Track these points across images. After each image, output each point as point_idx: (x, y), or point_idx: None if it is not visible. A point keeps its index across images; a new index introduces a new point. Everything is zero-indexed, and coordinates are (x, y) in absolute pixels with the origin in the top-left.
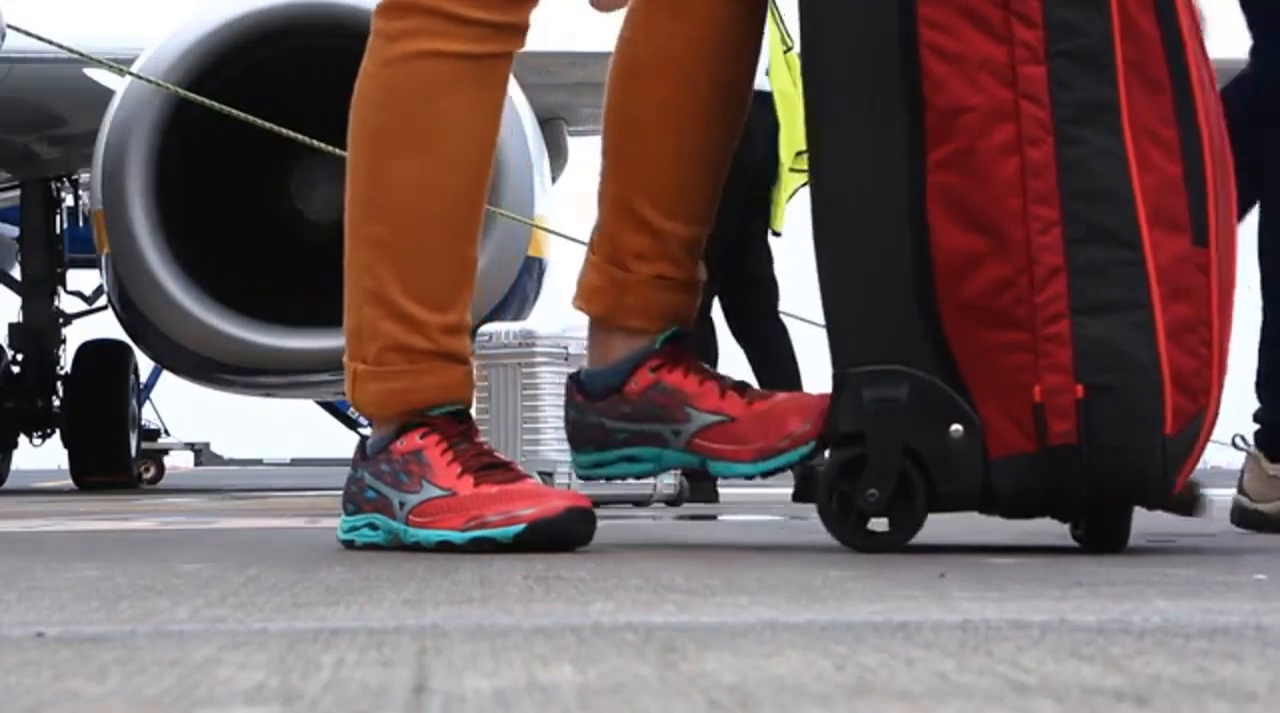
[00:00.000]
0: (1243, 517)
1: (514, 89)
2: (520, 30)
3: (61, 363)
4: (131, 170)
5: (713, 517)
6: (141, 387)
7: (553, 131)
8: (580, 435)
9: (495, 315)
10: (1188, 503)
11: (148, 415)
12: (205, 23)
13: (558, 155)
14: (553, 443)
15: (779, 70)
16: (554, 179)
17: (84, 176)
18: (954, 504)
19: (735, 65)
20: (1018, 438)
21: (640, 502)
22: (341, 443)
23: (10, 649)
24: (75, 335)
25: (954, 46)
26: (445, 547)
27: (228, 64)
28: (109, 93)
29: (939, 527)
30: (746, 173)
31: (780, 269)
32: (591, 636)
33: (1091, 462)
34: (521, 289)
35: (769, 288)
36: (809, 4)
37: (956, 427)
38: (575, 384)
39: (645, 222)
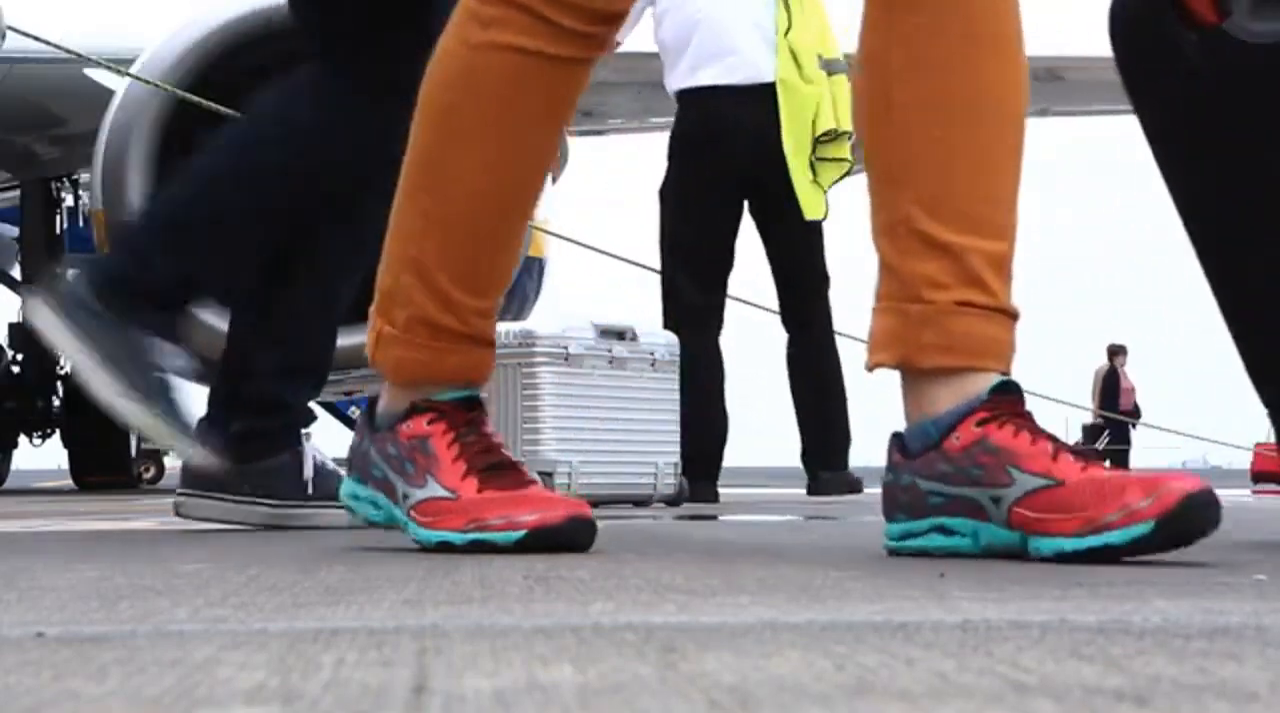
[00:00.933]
0: None
1: None
2: (605, 41)
3: (61, 363)
4: (131, 170)
5: (713, 517)
6: None
7: None
8: (893, 501)
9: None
10: None
11: None
12: (205, 23)
13: (558, 155)
14: (552, 443)
15: (783, 57)
16: (554, 179)
17: (84, 177)
18: None
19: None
20: None
21: (640, 502)
22: (342, 443)
23: (10, 649)
24: None
25: None
26: (445, 547)
27: (228, 64)
28: (109, 93)
29: None
30: (728, 174)
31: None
32: (591, 636)
33: None
34: (521, 289)
35: (816, 280)
36: None
37: None
38: (896, 442)
39: (934, 240)
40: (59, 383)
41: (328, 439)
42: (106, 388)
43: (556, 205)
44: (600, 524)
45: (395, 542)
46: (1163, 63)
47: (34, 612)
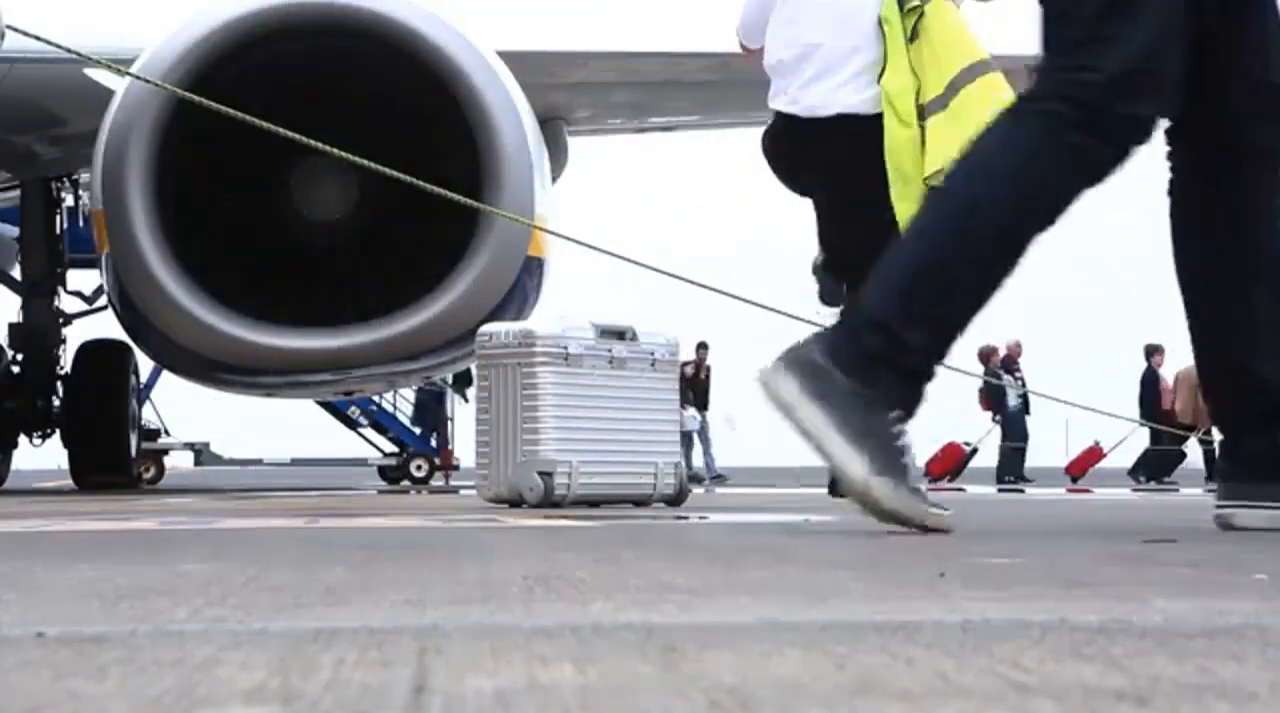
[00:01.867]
0: None
1: (514, 89)
2: None
3: (61, 363)
4: (131, 170)
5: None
6: (141, 387)
7: (553, 131)
8: None
9: (495, 315)
10: None
11: (148, 415)
12: (205, 23)
13: (558, 155)
14: (552, 443)
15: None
16: (554, 179)
17: (84, 177)
18: None
19: None
20: None
21: (640, 502)
22: (342, 443)
23: (10, 649)
24: (75, 335)
25: None
26: None
27: (227, 64)
28: (109, 93)
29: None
30: (873, 200)
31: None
32: (591, 636)
33: None
34: (521, 289)
35: None
36: None
37: None
38: None
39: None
40: (59, 383)
41: (328, 439)
42: (858, 466)
43: (557, 205)
44: (600, 524)
45: (396, 542)
46: None
47: (34, 612)
